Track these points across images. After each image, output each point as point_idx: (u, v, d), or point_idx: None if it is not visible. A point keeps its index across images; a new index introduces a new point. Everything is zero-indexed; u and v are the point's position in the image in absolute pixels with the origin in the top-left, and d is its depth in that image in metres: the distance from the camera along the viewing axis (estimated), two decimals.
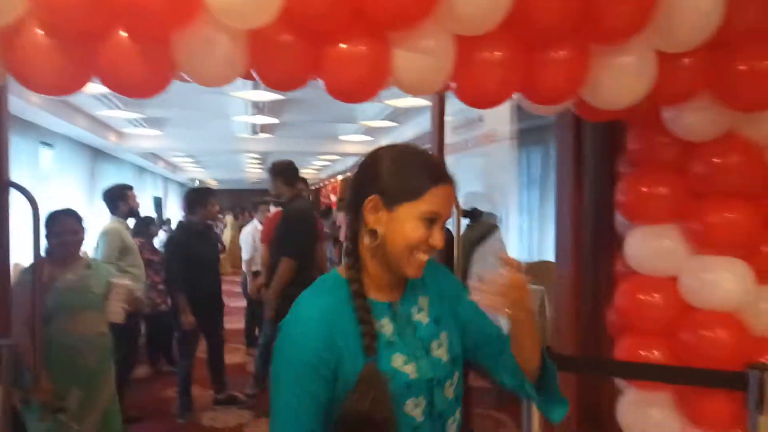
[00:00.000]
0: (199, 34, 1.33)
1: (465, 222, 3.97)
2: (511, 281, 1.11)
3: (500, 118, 5.00)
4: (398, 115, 7.47)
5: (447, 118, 6.45)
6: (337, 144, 9.83)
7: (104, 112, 7.19)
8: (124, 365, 4.42)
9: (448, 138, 6.58)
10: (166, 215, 13.76)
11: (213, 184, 19.50)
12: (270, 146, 9.98)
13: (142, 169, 13.05)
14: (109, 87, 1.37)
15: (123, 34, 1.31)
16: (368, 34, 1.42)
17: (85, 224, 3.02)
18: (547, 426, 2.14)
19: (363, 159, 1.20)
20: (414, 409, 1.15)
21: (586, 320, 2.32)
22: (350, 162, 12.98)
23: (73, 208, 3.04)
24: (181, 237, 4.42)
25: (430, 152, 1.21)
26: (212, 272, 4.56)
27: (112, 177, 9.87)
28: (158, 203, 14.41)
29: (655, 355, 1.93)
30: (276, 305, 4.09)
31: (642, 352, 1.95)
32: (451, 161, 5.35)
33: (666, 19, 1.47)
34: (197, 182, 18.65)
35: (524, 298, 1.14)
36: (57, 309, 2.82)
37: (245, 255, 6.38)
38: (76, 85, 1.38)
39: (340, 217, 11.38)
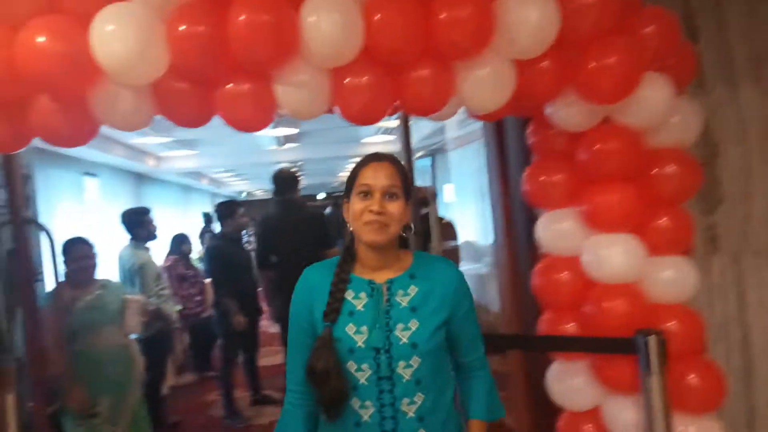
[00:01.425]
0: (105, 91, 1.63)
1: None
2: None
3: None
4: None
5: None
6: (361, 146, 10.11)
7: (138, 140, 7.75)
8: (154, 376, 4.79)
9: (454, 132, 6.75)
10: (214, 230, 14.40)
11: (260, 194, 20.21)
12: (299, 155, 10.38)
13: (187, 188, 13.73)
14: (47, 141, 1.70)
15: (45, 99, 1.63)
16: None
17: (96, 249, 3.41)
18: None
19: None
20: (356, 372, 1.41)
21: (524, 301, 2.50)
22: None
23: (85, 236, 3.43)
24: (216, 246, 4.85)
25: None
26: (246, 278, 4.83)
27: (157, 198, 10.53)
28: (208, 218, 15.14)
29: (570, 328, 2.11)
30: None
31: (559, 326, 2.13)
32: (458, 154, 5.52)
33: (506, 32, 1.67)
34: (244, 194, 19.39)
35: None
36: (80, 327, 3.21)
37: None
38: (19, 144, 1.71)
39: None
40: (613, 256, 1.97)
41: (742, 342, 2.52)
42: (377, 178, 1.43)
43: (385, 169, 1.45)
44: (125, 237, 4.69)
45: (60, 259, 3.25)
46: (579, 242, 2.06)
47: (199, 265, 8.32)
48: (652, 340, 1.84)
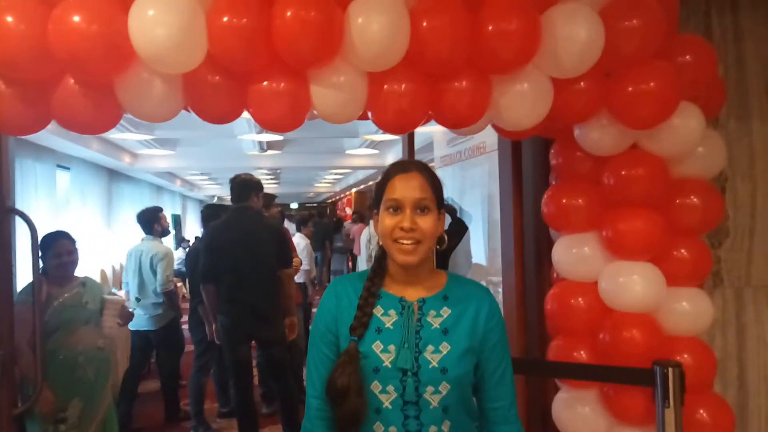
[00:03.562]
0: (135, 78, 1.55)
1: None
2: None
3: (489, 130, 5.18)
4: None
5: (440, 133, 6.61)
6: (345, 158, 10.07)
7: (116, 135, 7.53)
8: (131, 377, 4.72)
9: (443, 150, 6.78)
10: (184, 233, 14.13)
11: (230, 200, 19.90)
12: (279, 162, 10.27)
13: (159, 188, 13.43)
14: (65, 127, 1.60)
15: (71, 80, 1.54)
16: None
17: (77, 245, 3.26)
18: None
19: None
20: (381, 393, 1.32)
21: (531, 324, 2.47)
22: (361, 175, 13.20)
23: (66, 231, 3.28)
24: (197, 250, 4.51)
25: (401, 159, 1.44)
26: None
27: (129, 196, 10.26)
28: (177, 221, 14.84)
29: (582, 356, 2.08)
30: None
31: (570, 353, 2.10)
32: (447, 172, 5.44)
33: (551, 50, 1.65)
34: (216, 199, 19.09)
35: None
36: (56, 325, 3.06)
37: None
38: (36, 125, 1.61)
39: (354, 230, 11.59)
40: (632, 284, 1.95)
41: (738, 378, 2.54)
42: (406, 190, 1.34)
43: (415, 180, 1.36)
44: (140, 234, 4.97)
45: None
46: (597, 268, 2.04)
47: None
48: (672, 372, 1.82)
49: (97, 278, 6.38)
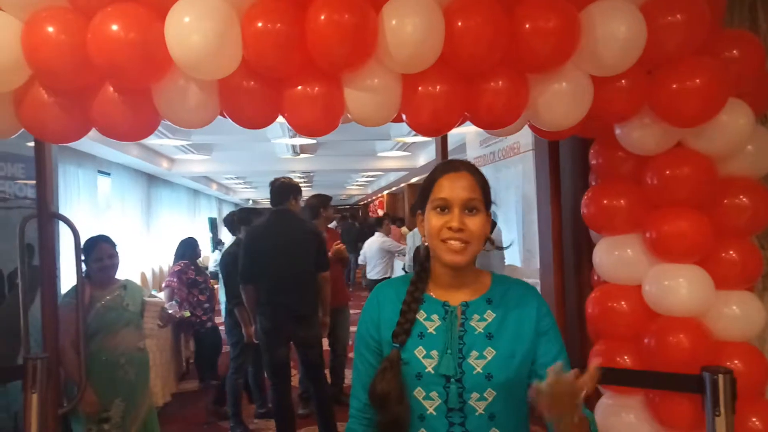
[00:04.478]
0: (172, 85, 1.57)
1: None
2: (556, 392, 1.10)
3: (524, 130, 5.11)
4: None
5: (473, 133, 6.54)
6: (376, 160, 10.07)
7: (154, 141, 7.69)
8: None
9: (476, 151, 6.71)
10: (220, 235, 14.37)
11: (265, 203, 20.16)
12: (312, 165, 10.33)
13: (196, 192, 13.68)
14: (104, 134, 1.63)
15: (110, 89, 1.56)
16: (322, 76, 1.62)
17: (118, 249, 3.33)
18: None
19: None
20: (425, 399, 1.29)
21: (570, 328, 2.41)
22: (393, 177, 13.19)
23: (107, 235, 3.35)
24: (233, 253, 4.57)
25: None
26: None
27: (167, 200, 10.47)
28: (213, 224, 15.10)
29: (626, 361, 2.02)
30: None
31: (613, 358, 2.04)
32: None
33: (591, 47, 1.61)
34: (250, 202, 19.36)
35: (571, 410, 1.12)
36: (98, 327, 3.12)
37: None
38: (77, 133, 1.64)
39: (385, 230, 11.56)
40: (678, 287, 1.88)
41: None
42: (455, 190, 1.31)
43: (464, 179, 1.32)
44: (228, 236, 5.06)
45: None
46: (641, 271, 1.98)
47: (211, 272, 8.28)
48: (723, 379, 1.75)
49: (137, 281, 6.51)
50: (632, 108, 1.75)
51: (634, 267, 1.99)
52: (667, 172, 1.87)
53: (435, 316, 1.34)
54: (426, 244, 1.37)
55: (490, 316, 1.33)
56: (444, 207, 1.31)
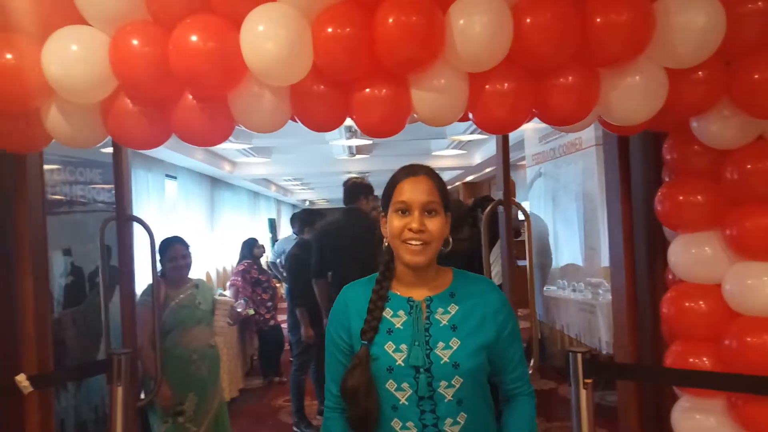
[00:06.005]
0: (247, 91, 1.62)
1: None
2: None
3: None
4: None
5: (532, 130, 6.42)
6: (431, 159, 10.03)
7: (217, 145, 7.94)
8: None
9: (535, 148, 6.57)
10: (279, 235, 14.68)
11: (322, 204, 20.46)
12: (368, 166, 10.40)
13: (256, 194, 14.02)
14: (183, 140, 1.71)
15: (189, 97, 1.63)
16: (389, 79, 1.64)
17: (190, 249, 3.46)
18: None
19: None
20: (396, 391, 1.37)
21: (643, 329, 2.34)
22: (448, 176, 13.11)
23: (180, 236, 3.49)
24: (300, 254, 4.70)
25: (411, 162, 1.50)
26: None
27: (229, 202, 10.79)
28: (272, 224, 15.45)
29: (705, 362, 1.95)
30: None
31: (691, 359, 1.97)
32: (536, 171, 5.29)
33: (665, 39, 1.56)
34: (307, 203, 19.68)
35: None
36: (172, 324, 3.26)
37: None
38: (159, 140, 1.72)
39: None
40: (762, 286, 1.80)
41: None
42: (415, 193, 1.39)
43: (423, 183, 1.41)
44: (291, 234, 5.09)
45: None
46: (720, 269, 1.90)
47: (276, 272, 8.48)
48: None
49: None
50: (710, 101, 1.69)
51: (713, 265, 1.92)
52: (748, 167, 1.80)
53: (401, 312, 1.42)
54: (387, 244, 1.45)
55: (453, 308, 1.42)
56: (405, 209, 1.39)
